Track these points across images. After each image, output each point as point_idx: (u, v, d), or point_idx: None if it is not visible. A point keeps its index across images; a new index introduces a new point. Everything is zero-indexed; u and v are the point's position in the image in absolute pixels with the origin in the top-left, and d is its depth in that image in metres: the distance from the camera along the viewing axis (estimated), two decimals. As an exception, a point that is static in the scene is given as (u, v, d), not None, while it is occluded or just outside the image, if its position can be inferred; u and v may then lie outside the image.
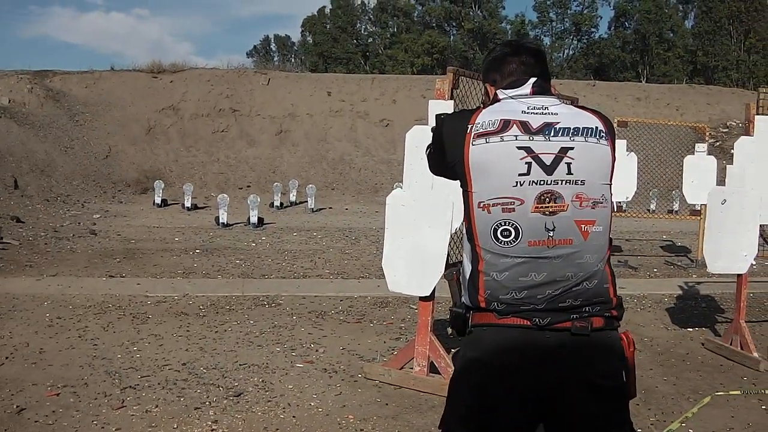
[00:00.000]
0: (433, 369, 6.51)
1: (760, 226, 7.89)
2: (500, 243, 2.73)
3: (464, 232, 2.93)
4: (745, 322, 8.01)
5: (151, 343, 7.66)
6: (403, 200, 6.44)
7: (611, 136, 2.86)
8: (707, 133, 15.20)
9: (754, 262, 8.28)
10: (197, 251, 13.96)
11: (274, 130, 28.96)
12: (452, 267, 6.51)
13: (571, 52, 73.00)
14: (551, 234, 2.71)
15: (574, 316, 2.72)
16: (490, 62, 3.11)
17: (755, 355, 7.60)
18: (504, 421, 2.76)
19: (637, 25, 65.44)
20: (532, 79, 2.93)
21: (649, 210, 20.76)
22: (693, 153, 13.33)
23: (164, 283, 10.81)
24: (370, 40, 71.57)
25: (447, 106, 6.39)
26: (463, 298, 2.91)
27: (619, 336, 2.86)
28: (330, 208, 23.27)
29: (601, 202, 2.78)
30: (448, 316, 3.01)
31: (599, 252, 2.78)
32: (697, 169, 12.69)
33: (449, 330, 2.83)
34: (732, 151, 7.96)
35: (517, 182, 2.72)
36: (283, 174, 26.82)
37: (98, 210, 20.28)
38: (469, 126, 2.81)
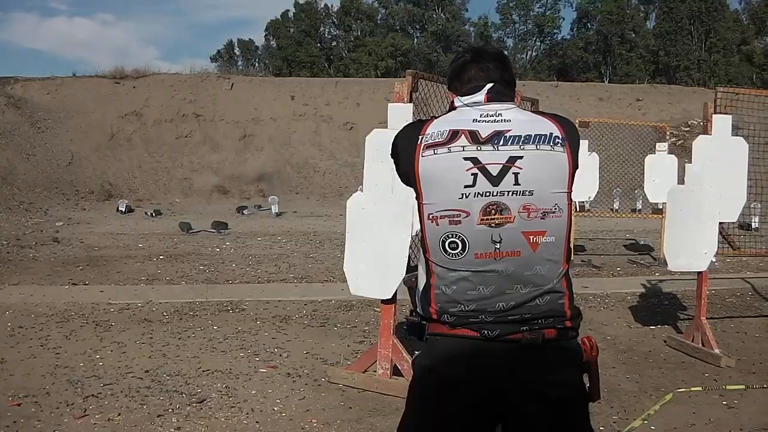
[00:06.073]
0: (396, 372, 6.53)
1: (720, 223, 7.96)
2: (449, 255, 2.69)
3: (419, 244, 2.89)
4: (707, 318, 8.09)
5: (114, 351, 7.60)
6: (364, 203, 6.44)
7: (570, 141, 2.78)
8: (668, 132, 15.33)
9: (714, 259, 8.36)
10: (161, 257, 13.90)
11: (238, 134, 28.89)
12: (413, 270, 6.53)
13: (534, 54, 73.31)
14: (498, 246, 2.66)
15: (524, 328, 2.67)
16: (452, 70, 3.04)
17: (716, 351, 7.68)
18: (458, 428, 2.73)
19: (599, 26, 65.83)
20: (488, 85, 2.88)
21: (612, 209, 20.84)
22: (654, 152, 13.43)
23: (127, 290, 10.75)
24: (334, 43, 71.46)
25: (406, 109, 6.41)
26: (418, 308, 2.86)
27: (578, 342, 2.81)
28: (294, 212, 23.24)
29: (553, 212, 2.70)
30: (404, 325, 2.99)
31: (552, 264, 2.73)
32: (659, 168, 12.80)
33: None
34: (695, 149, 8.06)
35: (462, 194, 2.68)
36: (247, 178, 26.77)
37: (61, 217, 20.15)
38: (420, 137, 2.78)
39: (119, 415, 5.83)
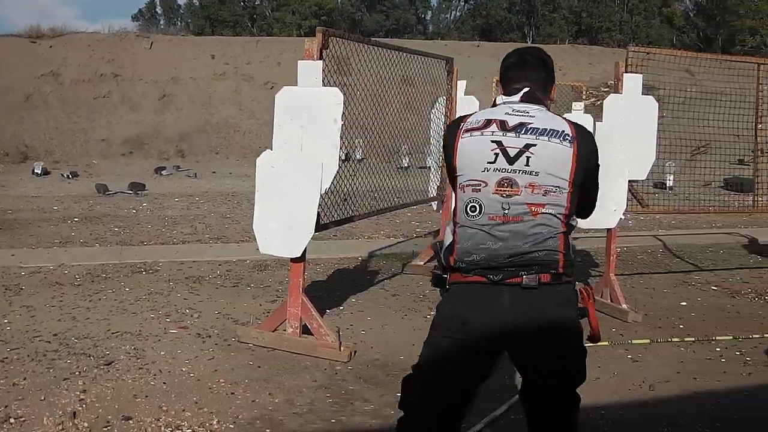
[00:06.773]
0: (306, 330, 6.53)
1: (630, 181, 8.09)
2: (469, 216, 3.36)
3: (452, 211, 3.64)
4: (616, 275, 8.27)
5: (23, 315, 7.48)
6: (273, 161, 6.40)
7: (579, 141, 3.38)
8: (584, 92, 15.48)
9: (625, 217, 8.49)
10: (76, 220, 13.69)
11: (157, 94, 28.49)
12: (322, 229, 6.54)
13: (457, 14, 73.40)
14: (506, 212, 3.30)
15: (523, 273, 3.30)
16: (501, 70, 3.74)
17: (624, 306, 7.85)
18: (468, 360, 3.35)
19: (523, -14, 66.04)
20: (525, 89, 3.55)
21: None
22: (570, 111, 13.55)
23: (40, 254, 10.57)
24: (258, 2, 70.68)
25: (316, 67, 6.39)
26: (442, 260, 3.51)
27: (574, 288, 3.44)
28: (213, 172, 23.07)
29: (553, 192, 3.32)
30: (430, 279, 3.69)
31: (550, 228, 3.33)
32: (574, 127, 12.91)
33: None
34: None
35: (484, 168, 3.36)
36: (166, 139, 26.50)
37: (-26, 181, 19.74)
38: (462, 124, 3.50)
39: (24, 379, 5.74)
